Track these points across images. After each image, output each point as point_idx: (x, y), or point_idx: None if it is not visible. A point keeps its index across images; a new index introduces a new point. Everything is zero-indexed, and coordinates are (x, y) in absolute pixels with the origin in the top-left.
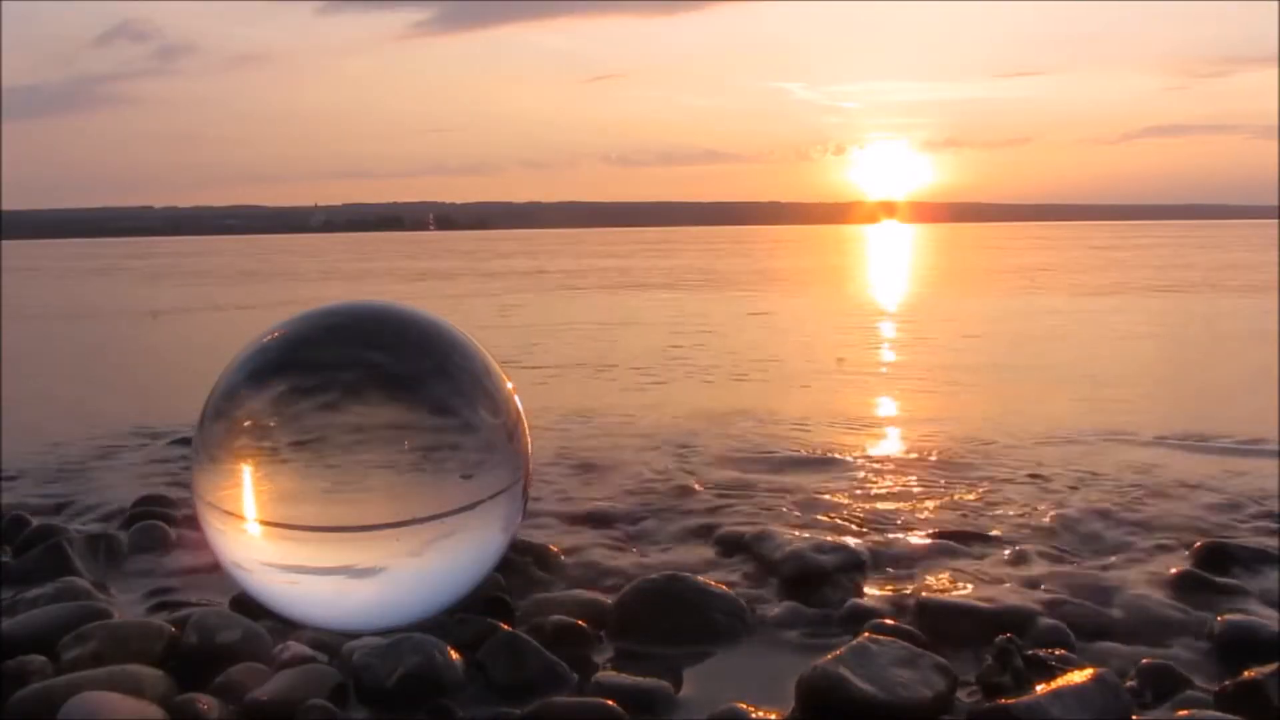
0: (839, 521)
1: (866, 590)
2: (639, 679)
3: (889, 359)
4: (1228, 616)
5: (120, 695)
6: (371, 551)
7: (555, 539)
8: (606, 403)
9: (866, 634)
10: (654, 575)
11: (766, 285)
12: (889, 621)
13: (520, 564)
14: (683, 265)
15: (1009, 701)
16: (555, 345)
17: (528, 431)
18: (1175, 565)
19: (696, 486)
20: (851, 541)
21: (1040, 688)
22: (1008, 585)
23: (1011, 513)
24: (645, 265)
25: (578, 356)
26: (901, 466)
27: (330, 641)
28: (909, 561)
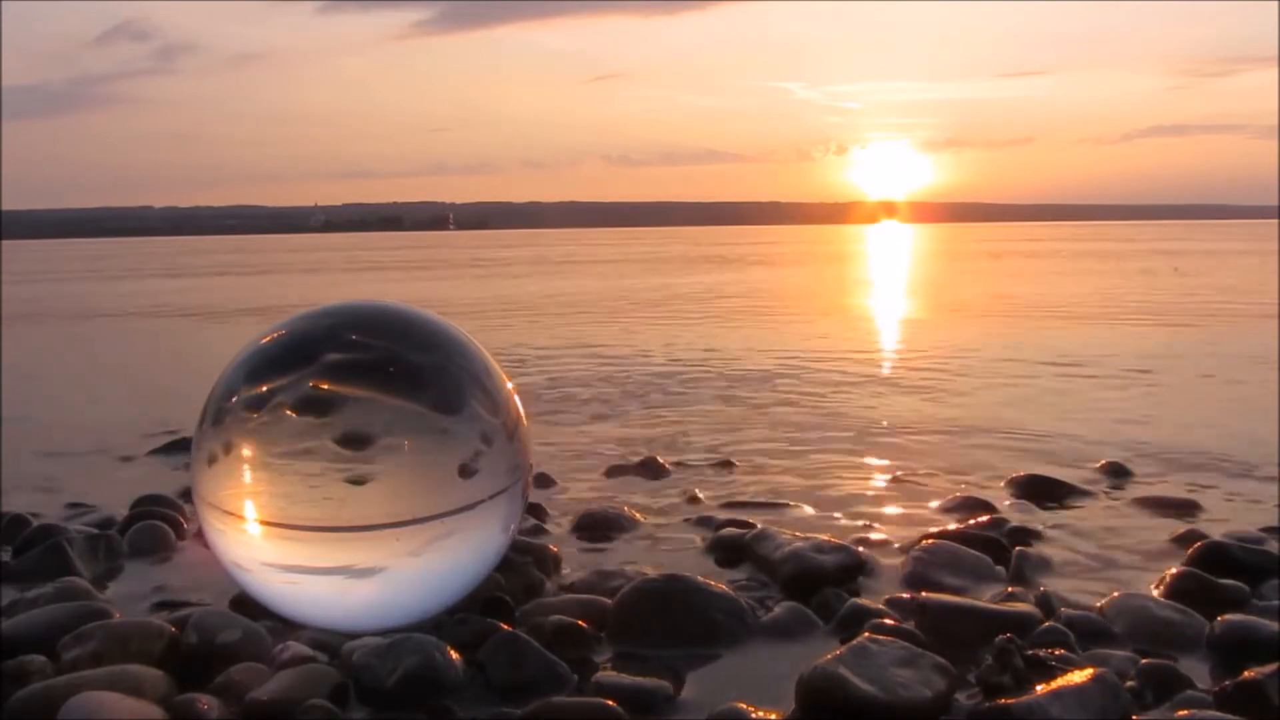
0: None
1: (866, 590)
2: (639, 679)
3: None
4: (1228, 616)
5: (120, 695)
6: (371, 551)
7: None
8: None
9: (866, 634)
10: (654, 575)
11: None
12: (889, 621)
13: (520, 564)
14: None
15: (1009, 701)
16: None
17: (528, 431)
18: (1175, 566)
19: None
20: (851, 542)
21: (1040, 688)
22: (1008, 587)
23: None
24: None
25: None
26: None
27: (330, 641)
28: (910, 561)
